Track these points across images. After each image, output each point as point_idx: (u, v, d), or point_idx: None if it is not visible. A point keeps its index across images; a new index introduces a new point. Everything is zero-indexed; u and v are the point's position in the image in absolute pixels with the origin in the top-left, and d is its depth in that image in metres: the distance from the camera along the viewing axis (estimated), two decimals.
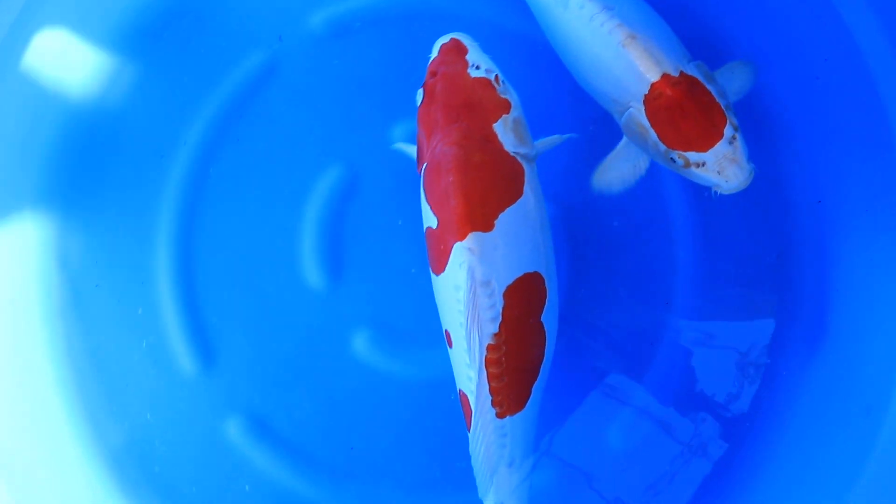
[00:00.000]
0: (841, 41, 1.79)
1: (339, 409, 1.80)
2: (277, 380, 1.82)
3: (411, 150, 1.62)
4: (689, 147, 1.47)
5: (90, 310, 1.85)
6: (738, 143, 1.47)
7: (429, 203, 1.44)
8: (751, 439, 1.77)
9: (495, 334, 1.36)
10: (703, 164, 1.47)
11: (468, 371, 1.37)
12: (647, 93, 1.48)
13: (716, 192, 1.50)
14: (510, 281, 1.38)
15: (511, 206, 1.40)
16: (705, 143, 1.46)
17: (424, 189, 1.46)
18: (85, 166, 1.88)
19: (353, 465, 1.79)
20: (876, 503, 1.60)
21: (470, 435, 1.39)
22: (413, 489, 1.78)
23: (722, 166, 1.46)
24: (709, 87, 1.49)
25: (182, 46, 1.91)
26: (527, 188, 1.43)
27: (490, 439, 1.40)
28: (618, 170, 1.66)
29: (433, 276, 1.46)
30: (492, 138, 1.44)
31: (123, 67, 1.90)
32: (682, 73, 1.49)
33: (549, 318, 1.45)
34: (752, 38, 1.83)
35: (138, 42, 1.91)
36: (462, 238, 1.36)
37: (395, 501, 1.78)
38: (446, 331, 1.46)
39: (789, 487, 1.71)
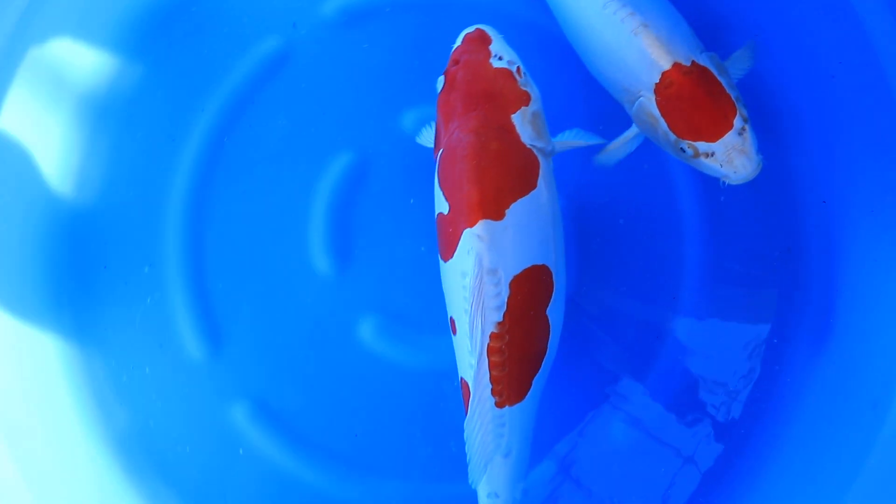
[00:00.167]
0: (857, 41, 1.78)
1: (344, 396, 1.80)
2: (284, 365, 1.82)
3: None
4: (698, 137, 1.47)
5: (98, 292, 1.86)
6: (748, 134, 1.47)
7: (442, 189, 1.44)
8: (756, 433, 1.76)
9: (499, 323, 1.35)
10: (712, 155, 1.47)
11: (470, 358, 1.37)
12: (657, 82, 1.48)
13: (724, 183, 1.50)
14: (517, 271, 1.37)
15: (524, 198, 1.39)
16: (715, 133, 1.46)
17: (438, 175, 1.46)
18: (97, 149, 1.89)
19: (356, 453, 1.79)
20: (879, 497, 1.59)
21: (466, 421, 1.39)
22: (416, 478, 1.78)
23: (731, 157, 1.46)
24: (720, 79, 1.49)
25: (196, 32, 1.91)
26: (541, 181, 1.42)
27: (487, 428, 1.39)
28: (623, 151, 1.67)
29: (441, 262, 1.46)
30: (509, 129, 1.43)
31: (138, 51, 1.91)
32: (693, 62, 1.49)
33: (555, 312, 1.44)
34: (766, 36, 1.82)
35: (153, 27, 1.92)
36: (472, 225, 1.36)
37: (398, 490, 1.78)
38: (451, 318, 1.46)
39: (795, 481, 1.71)
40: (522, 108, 1.45)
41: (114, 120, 1.89)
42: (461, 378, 1.47)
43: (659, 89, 1.48)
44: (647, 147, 1.78)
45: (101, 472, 1.81)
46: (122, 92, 1.90)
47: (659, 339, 1.79)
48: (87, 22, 1.91)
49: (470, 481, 1.41)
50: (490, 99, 1.45)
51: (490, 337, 1.35)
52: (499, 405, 1.39)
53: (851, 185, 1.77)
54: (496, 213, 1.37)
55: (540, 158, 1.44)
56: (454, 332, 1.46)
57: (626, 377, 1.79)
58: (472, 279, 1.34)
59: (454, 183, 1.41)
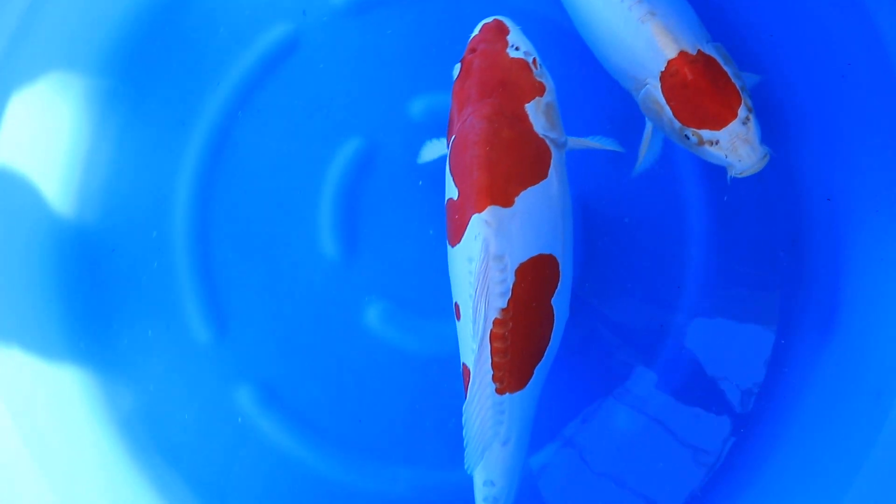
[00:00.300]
0: (868, 40, 1.78)
1: (349, 381, 1.81)
2: (289, 349, 1.83)
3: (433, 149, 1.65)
4: (702, 125, 1.47)
5: (105, 275, 1.87)
6: (752, 124, 1.47)
7: (452, 174, 1.45)
8: (761, 424, 1.77)
9: (503, 309, 1.35)
10: (717, 143, 1.47)
11: (472, 344, 1.37)
12: (663, 69, 1.49)
13: (730, 177, 1.50)
14: (524, 259, 1.37)
15: (534, 186, 1.39)
16: (719, 121, 1.46)
17: (449, 161, 1.46)
18: (106, 132, 1.90)
19: (360, 438, 1.80)
20: (884, 486, 1.59)
21: (465, 405, 1.38)
22: (420, 464, 1.79)
23: (735, 146, 1.47)
24: (725, 68, 1.49)
25: (208, 18, 1.92)
26: (552, 172, 1.42)
27: (486, 414, 1.39)
28: (652, 152, 1.68)
29: (449, 247, 1.46)
30: (523, 118, 1.44)
31: (149, 36, 1.92)
32: (699, 51, 1.49)
33: (560, 302, 1.44)
34: (776, 33, 1.83)
35: (165, 11, 1.92)
36: (481, 210, 1.36)
37: (402, 475, 1.79)
38: (456, 303, 1.46)
39: (800, 471, 1.71)
40: (537, 98, 1.45)
41: (124, 103, 1.90)
42: (463, 363, 1.47)
43: (665, 77, 1.49)
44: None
45: (104, 452, 1.82)
46: (133, 75, 1.91)
47: (663, 330, 1.80)
48: (99, 6, 1.92)
49: (466, 466, 1.41)
50: (505, 87, 1.46)
51: (493, 323, 1.35)
52: (499, 392, 1.39)
53: (856, 181, 1.77)
54: (505, 200, 1.37)
55: (552, 149, 1.44)
56: (458, 318, 1.46)
57: (630, 369, 1.80)
58: (478, 264, 1.34)
59: (464, 168, 1.41)
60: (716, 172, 1.57)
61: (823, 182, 1.80)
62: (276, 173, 1.87)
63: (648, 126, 1.64)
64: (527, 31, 1.54)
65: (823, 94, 1.81)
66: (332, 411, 1.81)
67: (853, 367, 1.72)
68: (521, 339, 1.38)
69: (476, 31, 1.55)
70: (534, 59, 1.49)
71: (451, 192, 1.44)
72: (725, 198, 1.79)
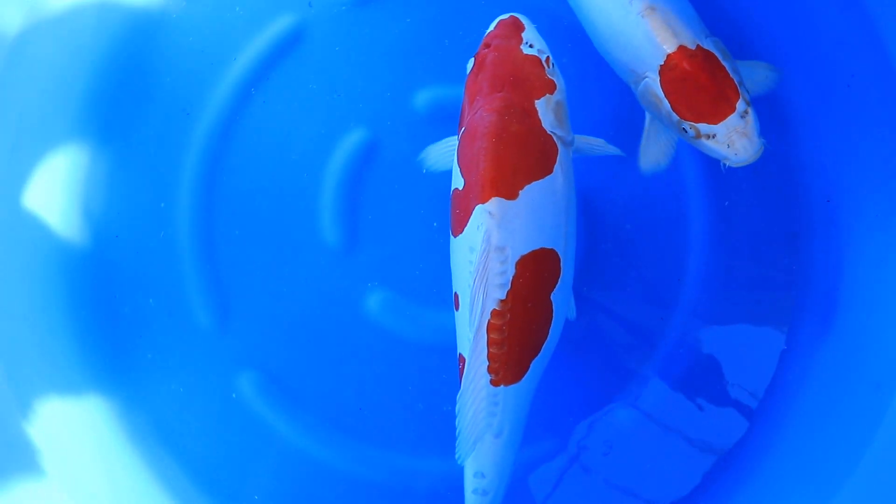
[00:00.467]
0: (870, 42, 1.78)
1: (350, 370, 1.82)
2: (291, 337, 1.84)
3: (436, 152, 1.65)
4: (700, 118, 1.48)
5: (109, 260, 1.88)
6: (750, 117, 1.48)
7: (459, 165, 1.45)
8: (763, 415, 1.78)
9: (502, 301, 1.36)
10: (714, 136, 1.48)
11: (470, 334, 1.37)
12: (662, 63, 1.50)
13: (725, 165, 1.51)
14: (525, 252, 1.38)
15: (539, 181, 1.40)
16: (717, 115, 1.47)
17: (458, 152, 1.47)
18: (111, 121, 1.91)
19: (360, 426, 1.81)
20: (884, 476, 1.60)
21: (458, 395, 1.39)
22: (420, 453, 1.80)
23: (732, 139, 1.47)
24: (724, 63, 1.50)
25: (214, 8, 1.93)
26: (558, 168, 1.43)
27: (480, 405, 1.39)
28: (656, 144, 1.67)
29: (451, 238, 1.47)
30: (532, 113, 1.44)
31: (155, 26, 1.93)
32: (698, 46, 1.50)
33: (560, 298, 1.44)
34: (777, 33, 1.84)
35: (172, 2, 1.93)
36: (484, 201, 1.37)
37: (402, 464, 1.80)
38: (455, 293, 1.47)
39: (801, 462, 1.72)
40: (547, 95, 1.46)
41: (129, 93, 1.92)
42: (459, 354, 1.48)
43: (663, 71, 1.50)
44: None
45: (106, 439, 1.83)
46: (138, 65, 1.92)
47: (664, 325, 1.81)
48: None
49: (457, 457, 1.42)
50: (516, 83, 1.46)
51: (491, 314, 1.36)
52: (494, 383, 1.39)
53: (857, 177, 1.78)
54: (510, 192, 1.38)
55: (559, 146, 1.45)
56: (456, 308, 1.47)
57: (631, 360, 1.81)
58: (479, 254, 1.35)
59: (471, 159, 1.41)
60: (717, 168, 1.57)
61: (824, 179, 1.80)
62: (280, 163, 1.88)
63: (648, 118, 1.65)
64: (541, 29, 1.55)
65: (825, 91, 1.81)
66: (333, 399, 1.82)
67: (853, 360, 1.72)
68: (518, 332, 1.39)
69: (492, 27, 1.56)
70: (547, 58, 1.49)
71: (457, 182, 1.45)
72: (727, 203, 1.80)
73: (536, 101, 1.45)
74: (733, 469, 1.77)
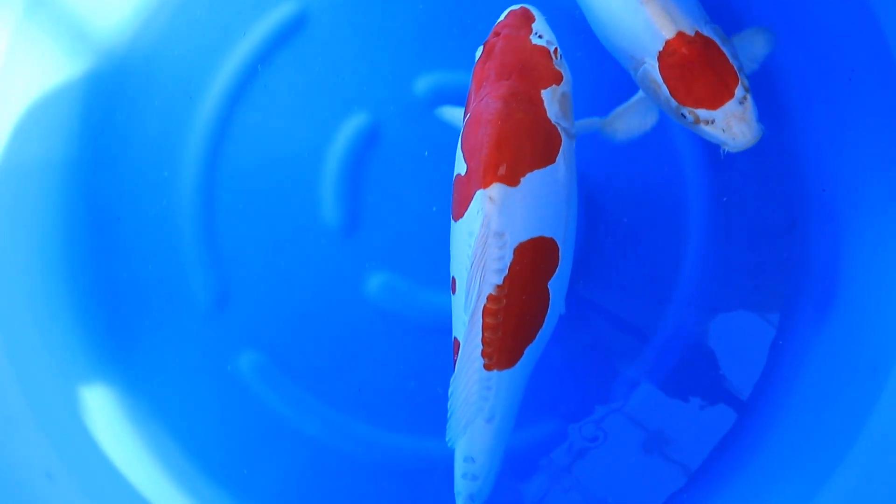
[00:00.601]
0: (871, 33, 1.78)
1: (349, 351, 1.83)
2: (290, 318, 1.85)
3: (451, 114, 1.65)
4: (698, 104, 1.48)
5: (110, 242, 1.90)
6: (749, 103, 1.48)
7: (462, 151, 1.46)
8: (761, 399, 1.79)
9: (498, 286, 1.37)
10: (712, 122, 1.48)
11: (465, 317, 1.38)
12: (661, 50, 1.50)
13: (724, 151, 1.51)
14: (524, 239, 1.38)
15: (540, 170, 1.41)
16: (715, 101, 1.47)
17: (461, 137, 1.48)
18: (115, 104, 1.92)
19: (359, 407, 1.82)
20: (879, 457, 1.61)
21: (452, 378, 1.40)
22: (417, 434, 1.81)
23: (730, 124, 1.47)
24: (723, 49, 1.50)
25: None
26: (560, 158, 1.44)
27: (472, 389, 1.40)
28: (627, 122, 1.66)
29: (452, 222, 1.48)
30: (537, 102, 1.45)
31: (158, 11, 1.94)
32: (697, 32, 1.50)
33: (557, 287, 1.45)
34: (783, 28, 1.82)
35: None
36: (486, 186, 1.37)
37: (400, 445, 1.81)
38: (453, 277, 1.48)
39: (799, 445, 1.72)
40: (553, 85, 1.47)
41: (133, 77, 1.93)
42: (454, 338, 1.49)
43: (662, 57, 1.50)
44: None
45: (106, 418, 1.85)
46: (142, 50, 1.93)
47: (662, 309, 1.81)
48: None
49: (447, 439, 1.42)
50: (523, 72, 1.47)
51: (488, 299, 1.37)
52: (487, 367, 1.40)
53: (855, 166, 1.78)
54: (511, 179, 1.38)
55: (563, 136, 1.45)
56: (453, 292, 1.47)
57: (629, 345, 1.81)
58: (478, 238, 1.36)
59: (475, 145, 1.42)
60: (717, 159, 1.58)
61: (822, 169, 1.81)
62: (282, 146, 1.89)
63: (639, 94, 1.66)
64: (551, 21, 1.55)
65: (825, 82, 1.81)
66: (331, 379, 1.83)
67: (853, 335, 1.73)
68: (513, 318, 1.39)
69: (503, 16, 1.56)
70: (555, 49, 1.50)
71: (460, 167, 1.46)
72: (724, 199, 1.80)
73: (543, 91, 1.46)
74: (732, 452, 1.78)
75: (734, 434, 1.79)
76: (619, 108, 1.66)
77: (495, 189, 1.37)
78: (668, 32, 1.49)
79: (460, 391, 1.39)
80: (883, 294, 1.70)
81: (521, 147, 1.40)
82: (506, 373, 1.42)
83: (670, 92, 1.51)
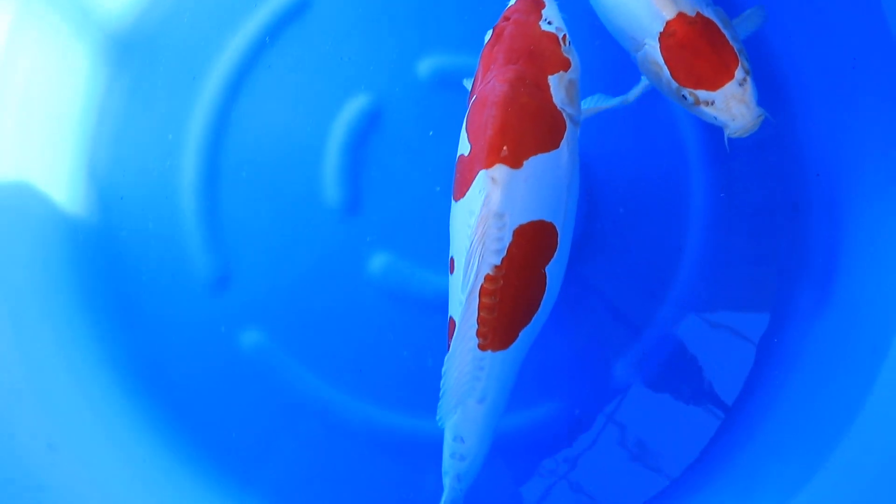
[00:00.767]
0: (874, 21, 1.79)
1: (350, 330, 1.84)
2: (293, 298, 1.86)
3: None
4: (699, 85, 1.49)
5: (114, 221, 1.91)
6: (749, 85, 1.48)
7: (467, 132, 1.46)
8: (762, 379, 1.79)
9: (496, 266, 1.37)
10: (712, 103, 1.49)
11: (462, 296, 1.38)
12: (662, 30, 1.50)
13: (728, 137, 1.51)
14: (524, 221, 1.38)
15: (544, 154, 1.41)
16: (715, 82, 1.48)
17: (466, 119, 1.48)
18: (119, 83, 1.94)
19: (360, 386, 1.82)
20: (878, 434, 1.61)
21: (446, 357, 1.39)
22: (418, 413, 1.81)
23: (730, 106, 1.48)
24: (724, 31, 1.51)
25: None
26: (564, 144, 1.44)
27: (465, 368, 1.39)
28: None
29: (453, 202, 1.48)
30: (544, 88, 1.45)
31: None
32: (698, 13, 1.51)
33: (554, 273, 1.45)
34: (787, 18, 1.84)
35: None
36: (489, 167, 1.37)
37: (401, 424, 1.81)
38: (451, 257, 1.48)
39: (800, 421, 1.73)
40: (561, 71, 1.47)
41: (137, 56, 1.94)
42: (450, 317, 1.49)
43: (663, 38, 1.51)
44: (658, 105, 1.82)
45: (109, 395, 1.85)
46: (146, 30, 1.94)
47: (664, 285, 1.82)
48: None
49: (438, 418, 1.42)
50: (531, 57, 1.47)
51: (485, 279, 1.36)
52: (482, 348, 1.40)
53: (855, 151, 1.79)
54: (514, 161, 1.38)
55: (568, 123, 1.45)
56: (451, 272, 1.47)
57: (624, 333, 1.82)
58: (478, 218, 1.36)
59: (479, 126, 1.42)
60: (718, 140, 1.58)
61: (822, 152, 1.81)
62: (284, 128, 1.90)
63: (643, 82, 1.67)
64: (563, 9, 1.55)
65: (825, 67, 1.82)
66: (333, 359, 1.84)
67: (853, 315, 1.74)
68: (510, 299, 1.39)
69: (513, 1, 1.56)
70: (564, 35, 1.49)
71: (464, 148, 1.46)
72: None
73: (549, 77, 1.46)
74: (733, 431, 1.78)
75: (728, 425, 1.79)
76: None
77: (498, 170, 1.37)
78: (669, 13, 1.50)
79: (453, 370, 1.39)
80: (881, 276, 1.72)
81: (525, 130, 1.40)
82: (499, 354, 1.42)
83: (670, 73, 1.51)
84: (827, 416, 1.69)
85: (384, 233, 1.86)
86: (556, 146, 1.43)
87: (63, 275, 1.88)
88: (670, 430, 1.80)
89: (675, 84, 1.52)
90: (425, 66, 1.89)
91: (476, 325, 1.38)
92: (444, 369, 1.40)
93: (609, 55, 1.75)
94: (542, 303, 1.45)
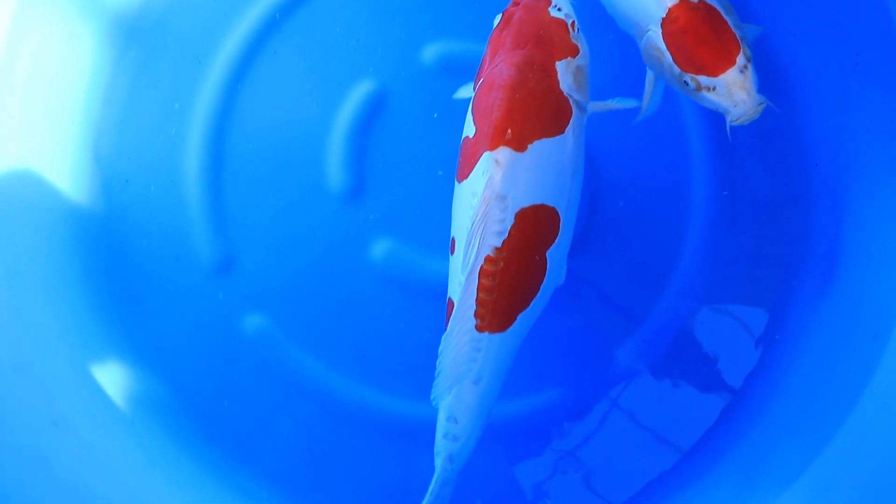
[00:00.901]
0: (877, 11, 1.78)
1: (353, 316, 1.85)
2: (295, 282, 1.87)
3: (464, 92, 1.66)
4: (700, 71, 1.49)
5: (118, 204, 1.92)
6: (750, 72, 1.49)
7: (473, 114, 1.47)
8: (764, 366, 1.80)
9: (497, 248, 1.37)
10: (713, 89, 1.49)
11: (461, 276, 1.38)
12: (664, 16, 1.51)
13: (729, 124, 1.52)
14: (526, 205, 1.39)
15: (549, 139, 1.41)
16: (717, 67, 1.48)
17: (473, 101, 1.49)
18: (125, 67, 1.94)
19: (361, 371, 1.83)
20: (879, 420, 1.61)
21: (444, 336, 1.40)
22: (419, 399, 1.77)
23: (731, 91, 1.48)
24: (726, 17, 1.51)
25: None
26: (569, 130, 1.44)
27: (463, 349, 1.40)
28: (657, 92, 1.69)
29: (456, 184, 1.48)
30: (551, 73, 1.46)
31: None
32: (701, 0, 1.52)
33: (555, 258, 1.45)
34: (792, 9, 1.85)
35: None
36: (493, 149, 1.38)
37: (402, 410, 1.82)
38: (452, 238, 1.48)
39: (802, 406, 1.73)
40: (569, 58, 1.47)
41: (143, 40, 1.95)
42: (448, 298, 1.49)
43: (665, 23, 1.51)
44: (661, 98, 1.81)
45: (113, 380, 1.86)
46: (152, 14, 1.95)
47: (665, 275, 1.82)
48: None
49: (432, 398, 1.43)
50: (539, 42, 1.48)
51: (485, 260, 1.37)
52: (479, 329, 1.40)
53: (856, 140, 1.79)
54: (519, 145, 1.39)
55: (574, 109, 1.46)
56: (452, 252, 1.48)
57: (631, 315, 1.82)
58: (480, 199, 1.36)
59: (485, 109, 1.43)
60: (720, 130, 1.59)
61: (822, 143, 1.82)
62: (288, 112, 1.91)
63: (649, 74, 1.67)
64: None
65: (827, 55, 1.82)
66: (335, 344, 1.84)
67: (854, 304, 1.74)
68: (509, 282, 1.39)
69: None
70: (573, 22, 1.50)
71: (469, 130, 1.46)
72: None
73: (557, 63, 1.46)
74: (735, 418, 1.79)
75: (729, 412, 1.80)
76: (645, 96, 1.68)
77: (502, 152, 1.38)
78: None
79: (450, 350, 1.39)
80: (882, 266, 1.72)
81: (530, 114, 1.41)
82: (497, 336, 1.42)
83: (672, 58, 1.52)
84: (827, 406, 1.69)
85: (388, 218, 1.86)
86: (562, 131, 1.43)
87: (67, 257, 1.89)
88: (672, 416, 1.80)
89: (676, 70, 1.52)
90: (430, 52, 1.89)
91: (474, 306, 1.39)
92: (440, 348, 1.40)
93: (619, 49, 1.76)
94: (541, 287, 1.45)
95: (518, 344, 1.47)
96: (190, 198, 1.90)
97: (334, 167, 1.88)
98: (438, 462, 1.48)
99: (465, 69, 1.82)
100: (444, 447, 1.47)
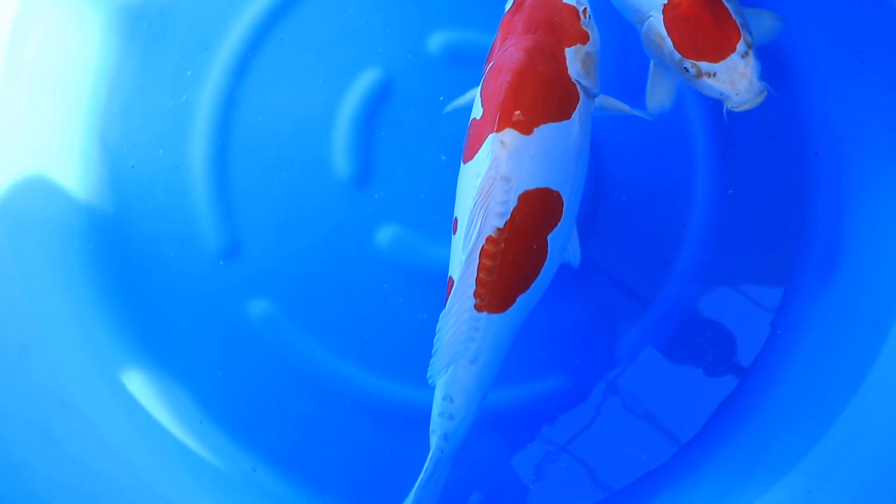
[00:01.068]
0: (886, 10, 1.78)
1: (358, 303, 1.85)
2: (301, 269, 1.87)
3: (462, 101, 1.67)
4: (701, 57, 1.49)
5: (124, 190, 1.92)
6: (751, 58, 1.49)
7: (481, 97, 1.48)
8: (766, 354, 1.80)
9: (499, 229, 1.38)
10: (714, 75, 1.49)
11: (462, 256, 1.39)
12: (666, 2, 1.51)
13: (727, 109, 1.52)
14: (530, 187, 1.40)
15: (555, 123, 1.42)
16: (718, 54, 1.49)
17: (481, 84, 1.50)
18: (130, 54, 1.95)
19: (367, 358, 1.84)
20: (880, 407, 1.62)
21: (441, 314, 1.41)
22: (424, 385, 1.74)
23: (732, 78, 1.48)
24: (727, 4, 1.52)
25: None
26: (576, 116, 1.45)
27: (461, 328, 1.40)
28: (661, 87, 1.67)
29: (461, 165, 1.49)
30: (560, 59, 1.47)
31: None
32: None
33: (556, 242, 1.46)
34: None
35: None
36: (499, 130, 1.39)
37: (407, 396, 1.83)
38: (455, 218, 1.49)
39: (803, 394, 1.74)
40: (578, 44, 1.48)
41: (149, 27, 1.96)
42: (449, 277, 1.50)
43: (667, 10, 1.51)
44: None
45: (118, 365, 1.88)
46: (158, 2, 1.96)
47: (668, 263, 1.83)
48: None
49: (428, 376, 1.43)
50: (550, 28, 1.48)
51: (487, 240, 1.38)
52: (478, 308, 1.40)
53: (857, 129, 1.79)
54: (525, 128, 1.40)
55: (582, 96, 1.47)
56: (454, 232, 1.48)
57: (634, 303, 1.83)
58: (484, 179, 1.37)
59: (493, 91, 1.44)
60: (722, 118, 1.58)
61: (823, 130, 1.82)
62: (294, 99, 1.91)
63: (652, 64, 1.67)
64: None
65: (829, 42, 1.82)
66: (341, 330, 1.85)
67: (856, 292, 1.74)
68: (510, 263, 1.40)
69: None
70: (584, 9, 1.51)
71: (477, 112, 1.47)
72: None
73: (567, 49, 1.47)
74: (737, 404, 1.80)
75: (735, 395, 1.80)
76: (649, 85, 1.67)
77: (508, 134, 1.39)
78: None
79: (448, 328, 1.40)
80: (883, 253, 1.72)
81: (538, 98, 1.42)
82: (495, 317, 1.43)
83: (673, 44, 1.52)
84: (829, 392, 1.70)
85: (393, 205, 1.87)
86: (568, 117, 1.44)
87: (73, 241, 1.91)
88: (678, 399, 1.81)
89: (677, 56, 1.52)
90: (436, 40, 1.90)
91: (474, 286, 1.40)
92: (438, 326, 1.41)
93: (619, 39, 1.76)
94: (542, 271, 1.45)
95: (517, 326, 1.48)
96: (196, 184, 1.91)
97: (340, 154, 1.89)
98: (434, 440, 1.50)
99: (471, 58, 1.83)
100: (440, 425, 1.49)
